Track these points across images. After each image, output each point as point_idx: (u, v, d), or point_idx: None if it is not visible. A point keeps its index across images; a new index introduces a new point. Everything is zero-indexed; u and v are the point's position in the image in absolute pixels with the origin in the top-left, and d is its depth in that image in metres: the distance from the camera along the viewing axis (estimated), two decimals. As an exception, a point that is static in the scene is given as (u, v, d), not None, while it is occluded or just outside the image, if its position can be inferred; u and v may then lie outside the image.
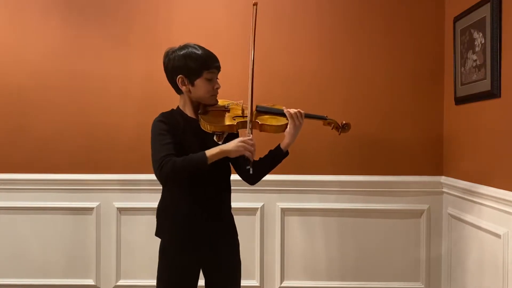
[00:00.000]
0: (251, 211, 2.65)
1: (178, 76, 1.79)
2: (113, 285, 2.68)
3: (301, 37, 2.63)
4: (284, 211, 2.65)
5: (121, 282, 2.68)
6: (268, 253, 2.66)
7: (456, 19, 2.42)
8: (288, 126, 1.87)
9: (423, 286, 2.64)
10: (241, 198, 2.60)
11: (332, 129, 2.02)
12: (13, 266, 2.68)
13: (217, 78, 1.85)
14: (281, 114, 1.89)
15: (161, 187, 2.64)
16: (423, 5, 2.61)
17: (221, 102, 1.90)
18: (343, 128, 2.02)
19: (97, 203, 2.66)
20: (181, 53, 1.78)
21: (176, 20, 2.64)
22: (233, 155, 1.74)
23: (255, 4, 1.88)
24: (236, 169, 1.96)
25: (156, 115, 1.85)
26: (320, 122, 2.01)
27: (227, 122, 1.82)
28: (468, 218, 2.31)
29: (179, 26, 2.63)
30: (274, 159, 1.90)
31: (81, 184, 2.65)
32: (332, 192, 2.63)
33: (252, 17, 1.87)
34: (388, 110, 2.63)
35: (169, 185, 1.79)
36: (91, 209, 2.67)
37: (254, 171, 1.89)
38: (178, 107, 1.89)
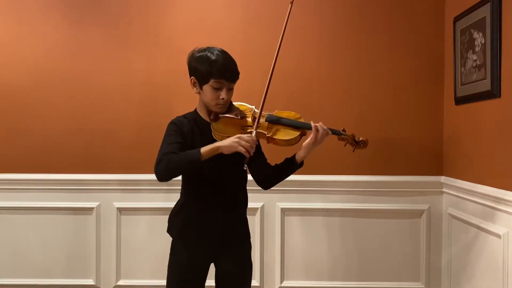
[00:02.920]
0: (251, 211, 2.62)
1: (191, 77, 1.80)
2: (113, 285, 2.68)
3: (301, 37, 2.62)
4: (284, 211, 2.65)
5: (121, 282, 2.68)
6: (268, 253, 2.66)
7: (456, 19, 2.42)
8: (308, 140, 1.79)
9: (423, 286, 2.64)
10: (241, 198, 2.60)
11: (345, 145, 1.91)
12: (13, 266, 2.68)
13: (229, 89, 1.77)
14: (295, 127, 1.80)
15: (161, 188, 2.63)
16: (423, 5, 2.61)
17: (238, 105, 1.86)
18: (358, 144, 1.88)
19: (97, 203, 2.66)
20: (197, 55, 1.77)
21: (177, 20, 2.64)
22: (225, 151, 1.66)
23: (292, 2, 1.85)
24: (251, 171, 1.92)
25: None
26: (334, 136, 1.87)
27: (234, 133, 1.73)
28: (468, 218, 2.31)
29: (179, 26, 2.63)
30: (288, 168, 1.86)
31: (81, 184, 2.65)
32: (332, 192, 2.63)
33: (287, 14, 1.83)
34: (388, 110, 2.63)
35: (164, 180, 1.73)
36: (91, 209, 2.66)
37: (268, 178, 1.89)
38: (195, 108, 1.87)
